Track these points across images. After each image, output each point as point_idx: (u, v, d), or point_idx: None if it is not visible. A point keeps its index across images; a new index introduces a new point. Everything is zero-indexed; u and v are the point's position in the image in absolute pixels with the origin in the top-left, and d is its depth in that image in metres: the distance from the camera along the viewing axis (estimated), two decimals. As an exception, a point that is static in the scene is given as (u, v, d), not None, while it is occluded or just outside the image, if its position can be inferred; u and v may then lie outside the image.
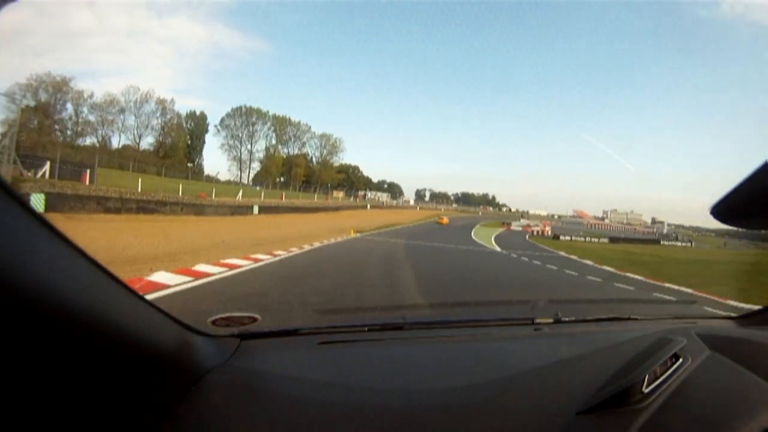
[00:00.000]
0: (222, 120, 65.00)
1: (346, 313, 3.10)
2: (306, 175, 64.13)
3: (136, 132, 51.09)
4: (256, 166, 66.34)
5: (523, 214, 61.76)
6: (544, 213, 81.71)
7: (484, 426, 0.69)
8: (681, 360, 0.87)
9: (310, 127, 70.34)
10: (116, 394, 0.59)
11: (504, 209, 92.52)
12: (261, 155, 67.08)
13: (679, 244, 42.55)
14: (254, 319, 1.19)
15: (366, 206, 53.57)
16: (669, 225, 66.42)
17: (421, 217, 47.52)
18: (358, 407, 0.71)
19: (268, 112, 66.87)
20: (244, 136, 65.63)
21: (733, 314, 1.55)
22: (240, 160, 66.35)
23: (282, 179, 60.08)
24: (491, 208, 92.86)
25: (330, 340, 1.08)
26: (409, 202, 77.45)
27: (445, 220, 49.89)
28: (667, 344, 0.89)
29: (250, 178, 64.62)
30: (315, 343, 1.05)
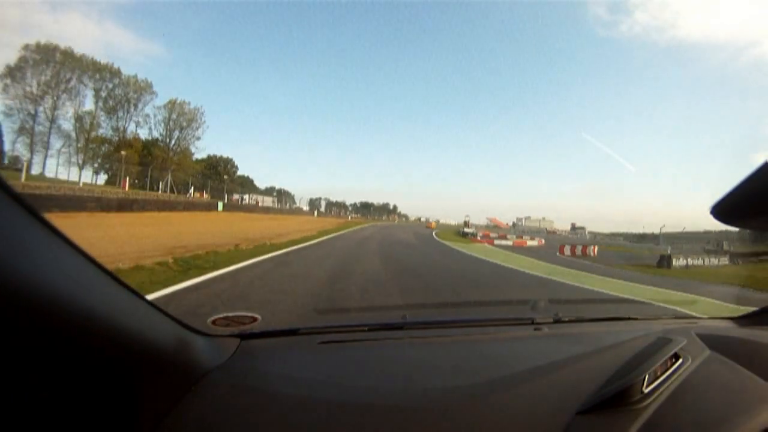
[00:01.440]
0: (9, 70, 35.44)
1: (346, 313, 3.10)
2: (142, 163, 38.02)
3: None
4: (61, 146, 37.54)
5: (466, 223, 55.33)
6: (453, 222, 79.08)
7: (484, 426, 0.69)
8: (681, 360, 0.87)
9: (150, 84, 42.71)
10: (116, 394, 0.59)
11: (412, 219, 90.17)
12: (69, 127, 37.98)
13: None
14: (254, 319, 1.19)
15: (217, 206, 31.34)
16: (589, 232, 64.18)
17: (326, 229, 25.21)
18: (358, 407, 0.71)
19: (83, 56, 38.99)
20: (38, 92, 36.19)
21: (732, 314, 1.55)
22: (32, 133, 36.71)
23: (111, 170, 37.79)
24: (397, 218, 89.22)
25: (330, 340, 1.08)
26: (302, 209, 60.09)
27: (433, 224, 49.52)
28: (667, 344, 0.89)
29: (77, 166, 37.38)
30: (315, 343, 1.05)
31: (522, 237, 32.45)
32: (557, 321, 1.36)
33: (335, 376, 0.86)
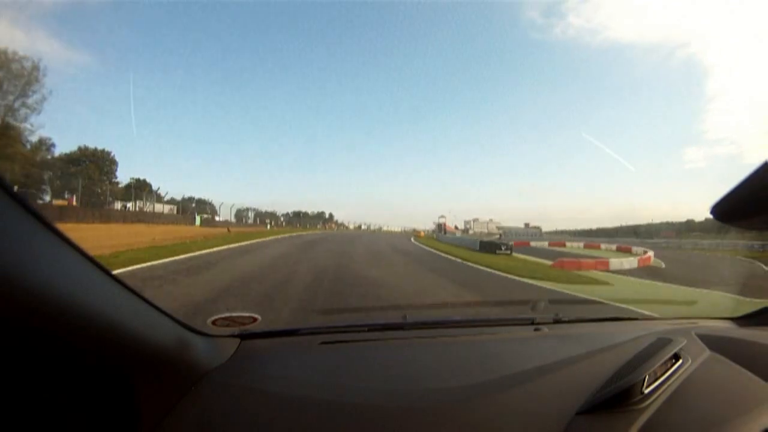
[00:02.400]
0: None
1: (346, 313, 3.10)
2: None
3: None
4: None
5: (440, 226, 42.09)
6: (398, 230, 72.25)
7: (484, 426, 0.69)
8: (681, 360, 0.87)
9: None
10: (117, 393, 0.59)
11: (351, 227, 75.79)
12: None
13: None
14: (254, 319, 1.19)
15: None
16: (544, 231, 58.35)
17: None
18: (359, 407, 0.71)
19: None
20: None
21: (732, 315, 1.55)
22: None
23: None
24: (335, 226, 75.85)
25: (331, 340, 1.08)
26: (218, 219, 42.10)
27: (422, 234, 41.35)
28: (667, 344, 0.88)
29: None
30: (316, 343, 1.05)
31: (645, 251, 18.38)
32: (557, 321, 1.36)
33: (336, 376, 0.86)
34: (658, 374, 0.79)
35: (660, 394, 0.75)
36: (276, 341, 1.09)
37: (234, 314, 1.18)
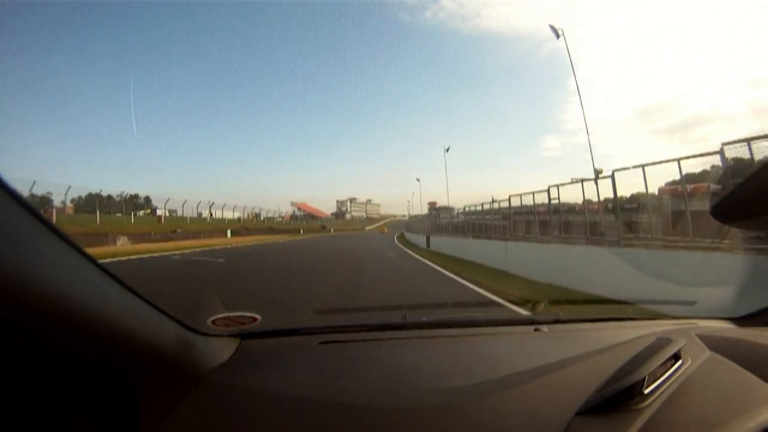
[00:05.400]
0: None
1: (346, 313, 3.11)
2: None
3: None
4: None
5: (342, 208, 33.81)
6: (233, 215, 54.62)
7: (484, 426, 0.69)
8: (681, 361, 0.87)
9: None
10: (116, 394, 0.59)
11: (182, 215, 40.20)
12: None
13: None
14: (254, 319, 1.19)
15: None
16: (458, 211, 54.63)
17: None
18: (358, 407, 0.71)
19: None
20: None
21: (733, 315, 1.55)
22: None
23: None
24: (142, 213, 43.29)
25: (330, 339, 1.08)
26: None
27: (386, 229, 36.39)
28: (666, 345, 0.88)
29: None
30: (315, 343, 1.05)
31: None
32: (557, 321, 1.36)
33: (335, 376, 0.86)
34: (658, 375, 0.79)
35: (660, 395, 0.75)
36: (276, 341, 1.09)
37: (234, 314, 1.19)
